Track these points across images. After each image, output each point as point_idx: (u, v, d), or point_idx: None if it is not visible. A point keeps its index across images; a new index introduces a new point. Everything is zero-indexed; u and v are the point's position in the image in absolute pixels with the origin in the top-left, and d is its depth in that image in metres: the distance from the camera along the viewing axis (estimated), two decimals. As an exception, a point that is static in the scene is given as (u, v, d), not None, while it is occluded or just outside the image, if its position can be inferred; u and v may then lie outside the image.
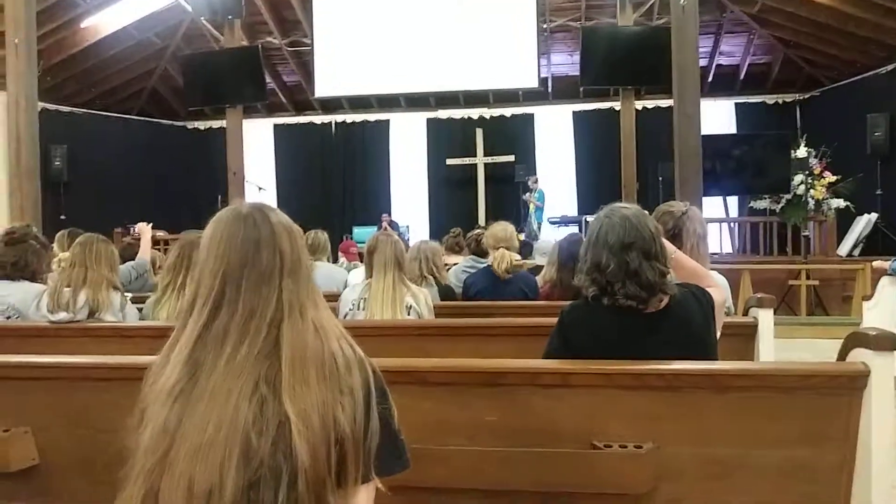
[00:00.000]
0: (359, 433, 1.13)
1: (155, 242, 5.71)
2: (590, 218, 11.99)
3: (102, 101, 13.75)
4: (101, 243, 3.50)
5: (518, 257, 4.28)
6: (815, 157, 10.25)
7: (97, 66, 13.08)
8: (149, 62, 13.85)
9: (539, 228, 12.34)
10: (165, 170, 13.83)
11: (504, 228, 4.24)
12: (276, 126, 14.93)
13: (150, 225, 5.18)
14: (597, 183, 13.34)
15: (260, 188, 12.55)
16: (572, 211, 13.36)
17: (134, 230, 8.18)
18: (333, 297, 3.61)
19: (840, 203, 10.09)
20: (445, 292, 4.04)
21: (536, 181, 12.69)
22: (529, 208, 12.46)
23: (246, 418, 1.07)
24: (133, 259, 4.88)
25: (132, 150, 13.49)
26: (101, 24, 12.31)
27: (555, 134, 14.15)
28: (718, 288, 2.33)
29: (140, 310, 3.58)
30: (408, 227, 13.60)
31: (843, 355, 1.93)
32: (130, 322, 3.42)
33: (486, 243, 4.32)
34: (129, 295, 3.67)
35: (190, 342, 1.16)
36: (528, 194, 12.59)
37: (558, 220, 12.57)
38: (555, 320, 2.17)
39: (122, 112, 14.06)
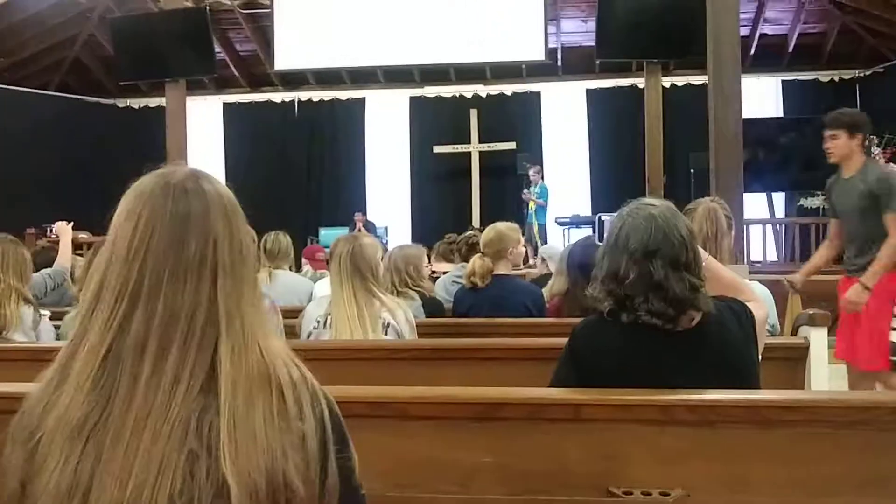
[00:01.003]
0: (313, 496, 1.08)
1: (76, 246, 5.69)
2: (606, 217, 12.14)
3: (13, 73, 13.69)
4: (10, 245, 3.49)
5: (520, 266, 4.30)
6: (878, 145, 10.35)
7: (6, 31, 13.02)
8: (71, 27, 13.81)
9: (543, 231, 12.39)
10: (91, 157, 13.77)
11: (493, 229, 4.26)
12: (226, 105, 14.94)
13: (71, 225, 5.14)
14: (616, 176, 13.41)
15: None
16: (585, 209, 13.42)
17: (51, 231, 8.13)
18: (296, 313, 3.61)
19: (908, 202, 10.18)
20: (431, 306, 4.05)
21: (539, 172, 12.73)
22: (529, 207, 12.50)
23: (173, 482, 1.00)
24: (49, 266, 4.85)
25: (50, 133, 13.42)
26: (12, -19, 12.26)
27: (565, 116, 14.23)
28: (759, 302, 2.35)
29: (58, 327, 3.56)
30: (386, 228, 13.63)
31: (911, 383, 1.95)
32: (46, 342, 3.39)
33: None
34: (47, 312, 3.64)
35: (97, 355, 1.06)
36: (527, 190, 12.63)
37: (568, 220, 12.62)
38: (564, 341, 2.17)
39: (38, 87, 13.99)
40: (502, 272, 4.18)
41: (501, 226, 4.31)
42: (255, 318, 1.12)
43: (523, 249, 4.62)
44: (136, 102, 14.92)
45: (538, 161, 13.44)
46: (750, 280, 3.24)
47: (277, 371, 1.09)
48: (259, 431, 1.04)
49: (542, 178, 12.77)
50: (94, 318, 1.08)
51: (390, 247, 6.64)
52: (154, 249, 1.08)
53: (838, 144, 4.76)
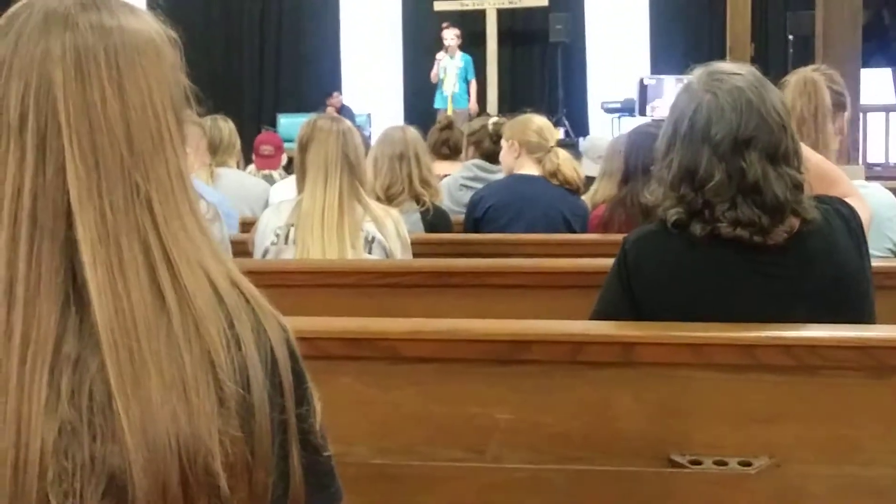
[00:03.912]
0: (258, 479, 1.05)
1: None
2: (652, 80, 11.81)
3: None
4: None
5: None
6: None
7: None
8: None
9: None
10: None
11: (533, 119, 4.29)
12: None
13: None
14: (685, 45, 13.29)
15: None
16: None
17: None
18: (248, 225, 3.61)
19: None
20: (435, 218, 4.04)
21: (459, 37, 12.32)
22: (443, 84, 12.13)
23: (42, 467, 0.96)
24: None
25: None
26: None
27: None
28: (859, 200, 2.35)
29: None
30: (369, 116, 13.51)
31: None
32: None
33: (525, 141, 4.30)
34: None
35: None
36: (442, 56, 12.21)
37: (619, 106, 12.53)
38: (611, 263, 2.18)
39: None
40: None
41: (538, 118, 4.34)
42: (172, 216, 1.05)
43: None
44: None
45: (579, 24, 13.24)
46: (867, 183, 3.23)
47: (190, 286, 1.04)
48: (164, 389, 0.99)
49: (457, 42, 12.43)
50: None
51: (373, 141, 6.60)
52: (11, 110, 1.03)
53: None
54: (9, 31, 1.05)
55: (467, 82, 12.42)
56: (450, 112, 11.49)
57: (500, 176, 4.56)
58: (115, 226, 1.02)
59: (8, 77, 1.03)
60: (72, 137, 1.02)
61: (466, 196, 4.54)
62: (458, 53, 12.34)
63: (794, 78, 3.16)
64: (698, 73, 2.12)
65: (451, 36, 12.30)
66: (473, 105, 12.31)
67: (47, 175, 1.01)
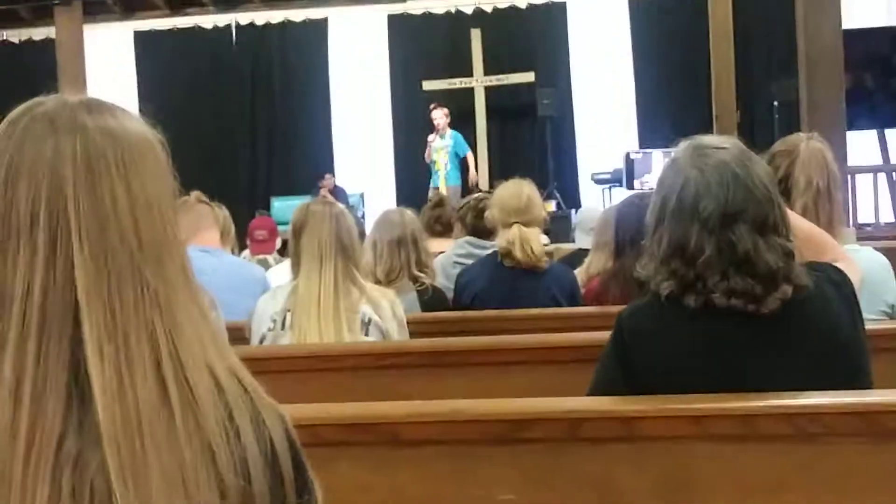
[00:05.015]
0: None
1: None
2: (637, 155, 11.84)
3: None
4: None
5: (545, 239, 4.27)
6: None
7: None
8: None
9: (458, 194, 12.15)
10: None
11: (518, 192, 4.23)
12: (138, 34, 14.84)
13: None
14: (672, 115, 13.32)
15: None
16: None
17: None
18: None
19: None
20: (432, 299, 4.05)
21: (448, 115, 12.46)
22: (436, 163, 12.24)
23: None
24: None
25: None
26: None
27: (601, 36, 14.14)
28: (849, 263, 2.36)
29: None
30: (361, 195, 13.57)
31: None
32: None
33: (492, 217, 4.33)
34: None
35: None
36: (433, 137, 12.34)
37: (609, 177, 12.59)
38: (607, 336, 2.18)
39: None
40: None
41: (527, 185, 4.30)
42: (152, 308, 1.06)
43: None
44: (16, 34, 14.84)
45: (565, 94, 13.33)
46: (859, 247, 3.24)
47: (193, 379, 1.05)
48: (165, 484, 1.00)
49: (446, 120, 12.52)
50: None
51: (368, 221, 6.60)
52: (21, 213, 1.04)
53: None
54: (13, 134, 1.07)
55: (459, 158, 12.45)
56: (443, 190, 11.52)
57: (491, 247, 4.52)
58: (123, 322, 1.03)
59: (16, 178, 1.04)
60: (81, 235, 1.03)
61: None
62: (449, 132, 12.41)
63: (804, 151, 3.09)
64: (684, 147, 2.13)
65: (439, 116, 12.40)
66: (473, 176, 12.46)
67: (57, 273, 1.02)
